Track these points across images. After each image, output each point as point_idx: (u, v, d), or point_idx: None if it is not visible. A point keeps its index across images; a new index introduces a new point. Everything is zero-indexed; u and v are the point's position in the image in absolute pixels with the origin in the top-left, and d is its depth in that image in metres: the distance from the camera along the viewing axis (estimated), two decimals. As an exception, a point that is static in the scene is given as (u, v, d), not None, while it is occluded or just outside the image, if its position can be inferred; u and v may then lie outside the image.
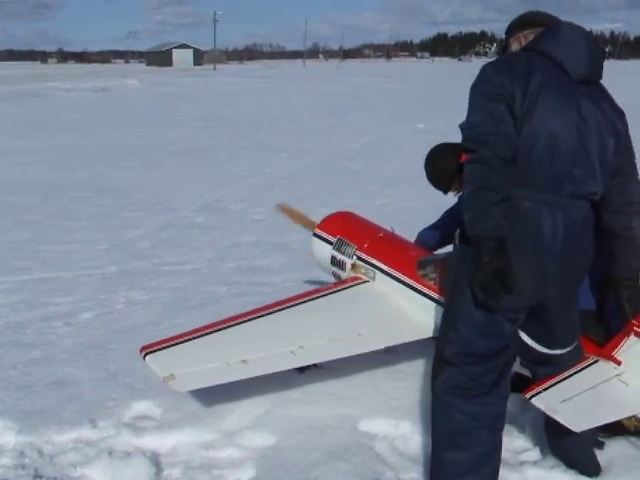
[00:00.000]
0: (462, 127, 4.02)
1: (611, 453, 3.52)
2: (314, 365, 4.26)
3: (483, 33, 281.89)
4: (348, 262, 4.56)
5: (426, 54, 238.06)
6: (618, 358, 3.25)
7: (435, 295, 3.99)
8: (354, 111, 25.77)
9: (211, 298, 5.91)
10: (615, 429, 3.58)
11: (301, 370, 4.29)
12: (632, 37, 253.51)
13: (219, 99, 32.69)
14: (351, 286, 4.38)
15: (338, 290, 4.33)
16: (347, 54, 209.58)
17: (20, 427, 3.77)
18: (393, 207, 8.96)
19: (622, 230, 3.13)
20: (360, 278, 4.44)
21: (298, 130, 19.50)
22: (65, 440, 3.70)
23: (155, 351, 3.62)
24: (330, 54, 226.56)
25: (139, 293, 6.04)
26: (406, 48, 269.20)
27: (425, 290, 4.06)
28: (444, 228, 4.50)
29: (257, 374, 3.58)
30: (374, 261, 4.38)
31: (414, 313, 4.07)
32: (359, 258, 4.49)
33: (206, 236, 8.13)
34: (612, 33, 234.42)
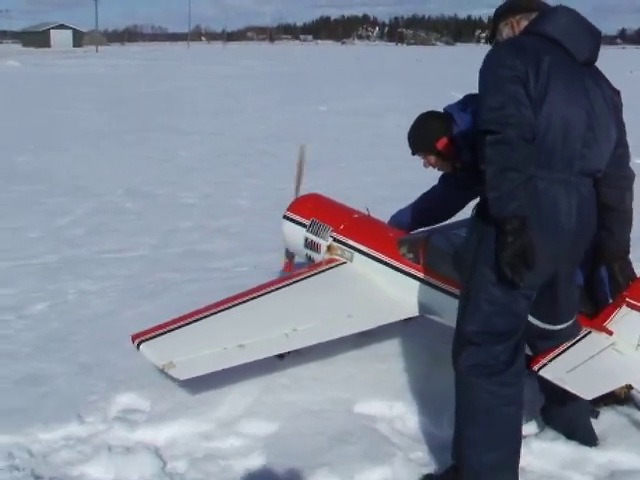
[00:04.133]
0: (446, 110, 4.08)
1: (604, 423, 3.65)
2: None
3: (365, 17, 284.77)
4: (323, 244, 4.52)
5: (309, 37, 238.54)
6: (610, 328, 3.38)
7: (418, 274, 4.02)
8: (249, 94, 25.47)
9: (166, 285, 5.73)
10: (604, 398, 3.72)
11: (281, 357, 4.23)
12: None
13: (107, 82, 31.49)
14: (330, 268, 4.35)
15: (318, 272, 4.29)
16: (230, 37, 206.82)
17: (1, 427, 3.54)
18: (323, 189, 8.93)
19: (617, 204, 3.25)
20: (337, 260, 4.41)
21: (199, 113, 19.12)
22: (54, 438, 3.51)
23: (149, 339, 3.50)
24: (213, 36, 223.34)
25: (88, 282, 5.76)
26: (289, 31, 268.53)
27: (408, 269, 4.08)
28: (419, 210, 4.53)
29: (254, 358, 3.54)
30: (352, 242, 4.36)
31: (398, 292, 4.09)
32: (335, 240, 4.45)
33: (140, 221, 7.85)
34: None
